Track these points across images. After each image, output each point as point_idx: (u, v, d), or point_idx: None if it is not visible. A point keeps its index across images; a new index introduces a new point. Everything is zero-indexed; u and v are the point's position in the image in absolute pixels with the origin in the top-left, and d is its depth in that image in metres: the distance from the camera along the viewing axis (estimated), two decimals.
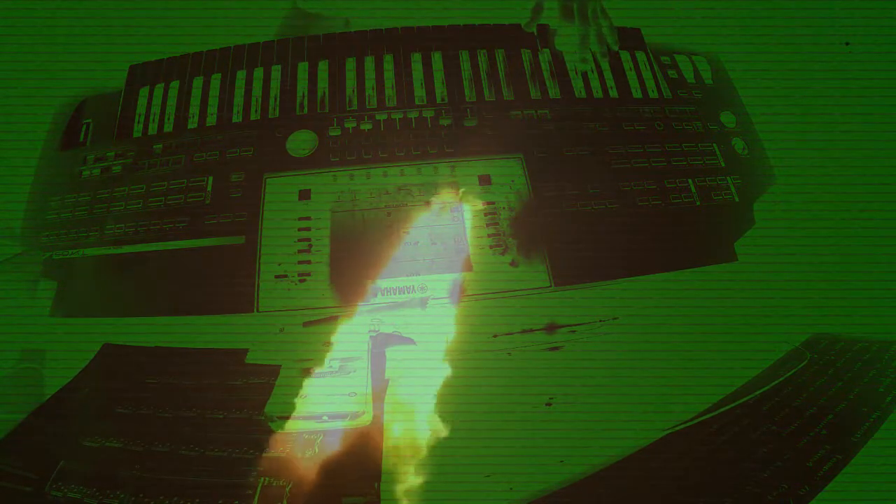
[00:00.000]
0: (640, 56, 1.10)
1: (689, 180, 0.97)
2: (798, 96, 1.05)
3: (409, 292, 0.86)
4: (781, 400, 0.79)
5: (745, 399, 0.79)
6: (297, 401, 0.75)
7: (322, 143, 0.99)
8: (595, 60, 1.06)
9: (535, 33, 1.09)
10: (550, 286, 0.87)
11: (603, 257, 0.89)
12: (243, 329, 0.85)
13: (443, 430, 0.74)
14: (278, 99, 1.04)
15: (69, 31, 1.05)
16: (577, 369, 0.81)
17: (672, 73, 1.10)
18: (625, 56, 1.10)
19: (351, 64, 1.07)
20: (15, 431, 0.75)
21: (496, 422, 0.75)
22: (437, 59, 1.07)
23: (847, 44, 1.06)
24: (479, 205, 0.90)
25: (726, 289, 0.90)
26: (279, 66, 1.07)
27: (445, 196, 0.93)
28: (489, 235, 0.90)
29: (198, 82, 1.06)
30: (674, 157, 0.99)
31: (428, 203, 0.93)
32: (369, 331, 0.84)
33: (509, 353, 0.83)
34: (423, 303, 0.85)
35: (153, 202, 0.95)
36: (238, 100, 1.04)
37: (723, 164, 1.00)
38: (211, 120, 1.03)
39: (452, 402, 0.76)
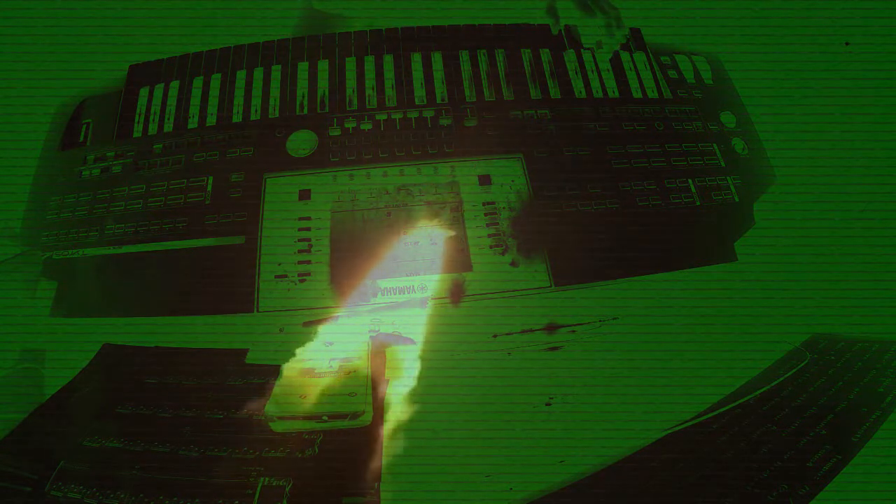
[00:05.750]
0: (640, 56, 1.10)
1: (689, 180, 0.97)
2: (798, 96, 1.05)
3: (409, 292, 0.86)
4: (781, 400, 0.79)
5: (745, 399, 0.79)
6: (297, 401, 0.75)
7: (322, 143, 0.99)
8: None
9: (563, 34, 1.09)
10: (550, 286, 0.87)
11: (603, 257, 0.89)
12: (243, 329, 0.85)
13: (443, 430, 0.74)
14: (278, 99, 1.04)
15: (69, 31, 1.05)
16: (577, 369, 0.81)
17: (672, 73, 1.10)
18: (625, 56, 1.10)
19: (351, 64, 1.07)
20: (15, 431, 0.75)
21: (496, 422, 0.75)
22: (437, 59, 1.07)
23: (847, 44, 1.06)
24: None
25: (726, 289, 0.90)
26: (279, 66, 1.07)
27: (445, 196, 0.93)
28: (489, 235, 0.90)
29: (198, 82, 1.06)
30: (674, 157, 0.99)
31: (428, 203, 0.93)
32: (369, 331, 0.84)
33: (509, 353, 0.83)
34: (423, 303, 0.85)
35: (153, 202, 0.95)
36: (238, 100, 1.04)
37: (723, 164, 1.00)
38: (211, 120, 1.03)
39: (452, 402, 0.76)
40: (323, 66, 1.07)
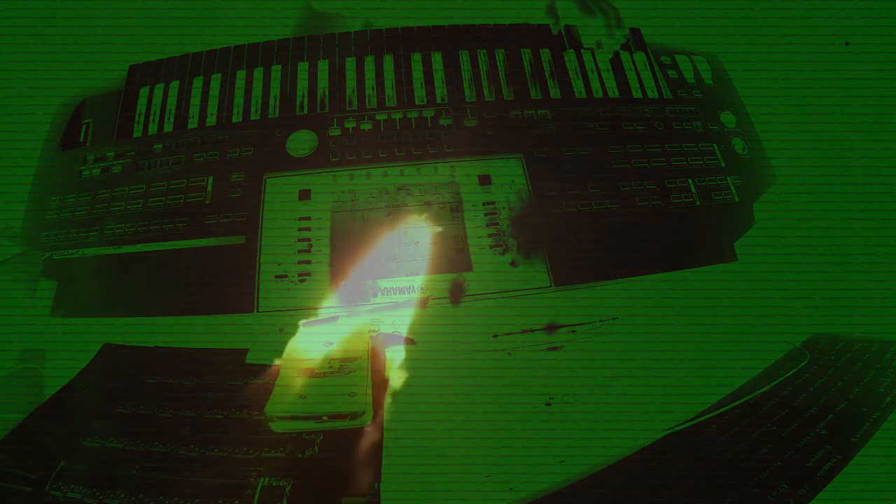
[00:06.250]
0: (640, 56, 1.10)
1: (689, 180, 0.97)
2: (798, 96, 1.05)
3: (409, 292, 0.86)
4: (781, 400, 0.79)
5: (745, 399, 0.79)
6: (297, 401, 0.75)
7: (322, 143, 0.99)
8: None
9: (563, 34, 1.09)
10: (550, 286, 0.87)
11: (603, 257, 0.89)
12: (243, 329, 0.85)
13: (443, 430, 0.74)
14: (278, 99, 1.04)
15: (69, 31, 1.05)
16: (577, 369, 0.81)
17: (672, 73, 1.10)
18: (625, 56, 1.10)
19: (351, 64, 1.07)
20: (15, 431, 0.75)
21: (496, 422, 0.75)
22: (437, 59, 1.07)
23: (847, 44, 1.06)
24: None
25: (726, 289, 0.90)
26: (279, 66, 1.07)
27: (445, 196, 0.93)
28: (489, 235, 0.90)
29: (198, 82, 1.06)
30: (674, 157, 0.99)
31: (428, 203, 0.93)
32: (369, 331, 0.84)
33: (509, 353, 0.83)
34: (423, 303, 0.85)
35: (153, 202, 0.95)
36: (238, 100, 1.04)
37: (723, 164, 1.00)
38: (211, 120, 1.03)
39: (452, 403, 0.76)
40: (323, 66, 1.07)
